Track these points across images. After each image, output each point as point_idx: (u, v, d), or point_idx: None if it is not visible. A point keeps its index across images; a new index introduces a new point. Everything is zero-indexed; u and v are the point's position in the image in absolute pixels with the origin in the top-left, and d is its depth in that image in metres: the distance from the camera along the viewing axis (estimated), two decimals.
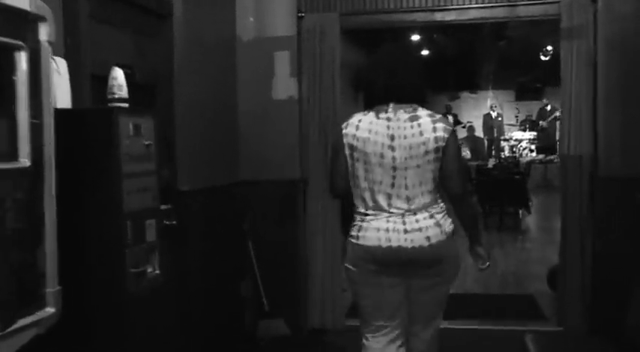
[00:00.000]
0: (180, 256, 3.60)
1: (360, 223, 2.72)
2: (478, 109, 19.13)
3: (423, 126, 2.65)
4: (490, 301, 5.81)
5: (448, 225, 2.72)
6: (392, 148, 2.64)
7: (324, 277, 5.03)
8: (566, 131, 4.84)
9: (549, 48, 14.86)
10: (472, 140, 17.52)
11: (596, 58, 4.71)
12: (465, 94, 20.26)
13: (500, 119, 17.80)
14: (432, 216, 2.67)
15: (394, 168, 2.64)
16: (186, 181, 3.92)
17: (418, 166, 2.64)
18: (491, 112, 17.76)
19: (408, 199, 2.65)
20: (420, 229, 2.63)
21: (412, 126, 2.65)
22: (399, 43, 3.64)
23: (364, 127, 2.70)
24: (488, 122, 17.58)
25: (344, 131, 2.74)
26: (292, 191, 5.12)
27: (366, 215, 2.70)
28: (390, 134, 2.66)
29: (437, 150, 2.65)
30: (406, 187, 2.64)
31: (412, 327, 2.88)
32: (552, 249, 6.05)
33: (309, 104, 5.15)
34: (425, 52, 18.31)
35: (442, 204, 2.75)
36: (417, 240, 2.62)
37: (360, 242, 2.70)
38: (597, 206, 4.74)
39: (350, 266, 2.80)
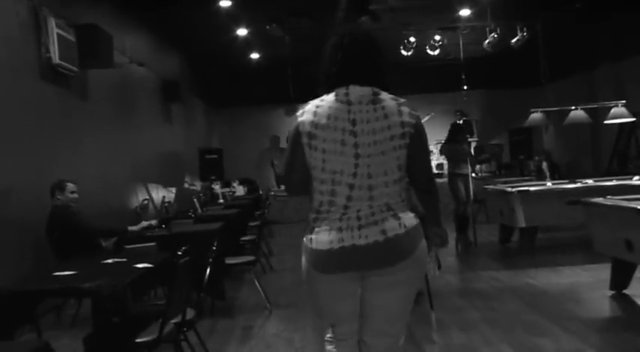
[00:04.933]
0: None
1: (312, 224, 2.51)
2: None
3: (388, 110, 2.47)
4: None
5: (409, 218, 2.49)
6: (354, 134, 2.45)
7: None
8: None
9: (412, 39, 11.78)
10: None
11: None
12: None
13: None
14: (389, 208, 2.45)
15: (357, 156, 2.44)
16: None
17: (383, 153, 2.44)
18: None
19: (371, 188, 2.44)
20: (375, 222, 2.43)
21: (375, 109, 2.46)
22: (356, 23, 2.90)
23: (322, 113, 2.48)
24: None
25: (300, 119, 2.51)
26: None
27: (319, 213, 2.49)
28: (352, 119, 2.46)
29: (403, 135, 2.45)
30: (369, 176, 2.44)
31: (363, 335, 2.62)
32: None
33: None
34: (255, 56, 14.81)
35: (405, 199, 2.52)
36: (372, 234, 2.41)
37: (313, 245, 2.48)
38: None
39: (306, 270, 2.54)
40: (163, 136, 11.69)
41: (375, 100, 2.47)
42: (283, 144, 16.67)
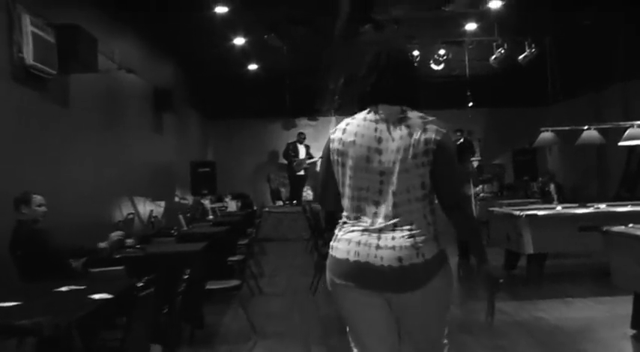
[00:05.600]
0: None
1: (337, 232, 2.59)
2: (319, 140, 15.63)
3: (413, 128, 2.50)
4: None
5: (430, 249, 2.44)
6: (379, 151, 2.50)
7: None
8: None
9: (416, 53, 11.30)
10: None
11: None
12: (303, 121, 16.50)
13: None
14: (411, 236, 2.44)
15: (381, 173, 2.49)
16: None
17: (406, 171, 2.46)
18: None
19: (395, 206, 2.47)
20: (393, 247, 2.42)
21: (401, 128, 2.51)
22: (389, 41, 2.67)
23: (351, 131, 2.58)
24: None
25: (332, 136, 2.63)
26: None
27: (345, 224, 2.58)
28: (378, 136, 2.52)
29: (426, 153, 2.45)
30: (394, 194, 2.47)
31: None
32: None
33: None
34: (253, 66, 14.35)
35: (431, 222, 2.49)
36: (388, 258, 2.41)
37: (333, 253, 2.56)
38: None
39: (328, 279, 2.61)
40: (153, 147, 11.18)
41: (402, 119, 2.51)
42: (281, 160, 16.15)
